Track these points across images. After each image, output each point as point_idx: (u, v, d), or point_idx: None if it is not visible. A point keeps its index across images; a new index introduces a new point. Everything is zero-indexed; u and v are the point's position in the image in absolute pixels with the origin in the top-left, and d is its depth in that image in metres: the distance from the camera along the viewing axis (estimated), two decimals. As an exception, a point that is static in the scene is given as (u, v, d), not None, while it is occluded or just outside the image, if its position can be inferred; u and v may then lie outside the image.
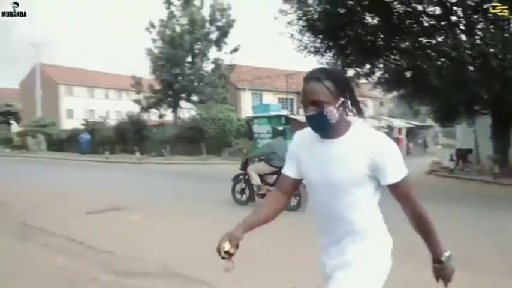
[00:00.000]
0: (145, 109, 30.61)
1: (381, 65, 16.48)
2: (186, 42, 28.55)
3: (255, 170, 8.54)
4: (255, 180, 8.44)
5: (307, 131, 1.81)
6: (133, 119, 30.39)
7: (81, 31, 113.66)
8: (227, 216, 7.11)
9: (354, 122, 1.77)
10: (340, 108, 1.71)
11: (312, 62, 22.84)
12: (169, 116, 32.42)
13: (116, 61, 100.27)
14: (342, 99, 1.71)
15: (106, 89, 56.06)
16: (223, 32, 29.68)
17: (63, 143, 34.36)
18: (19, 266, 4.85)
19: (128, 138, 29.45)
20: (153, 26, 29.65)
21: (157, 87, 30.51)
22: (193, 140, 25.25)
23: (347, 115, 1.77)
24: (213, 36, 29.79)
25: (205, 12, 29.61)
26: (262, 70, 36.16)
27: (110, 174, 15.98)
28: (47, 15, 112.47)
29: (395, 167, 1.68)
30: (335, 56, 16.10)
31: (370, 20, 14.81)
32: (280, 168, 6.19)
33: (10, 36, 71.39)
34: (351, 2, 13.56)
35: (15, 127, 45.41)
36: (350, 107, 1.77)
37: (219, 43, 29.86)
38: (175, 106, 31.15)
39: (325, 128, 1.72)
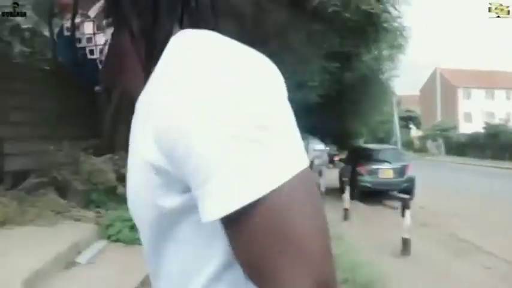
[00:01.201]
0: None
1: None
2: None
3: None
4: None
5: None
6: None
7: (471, 30, 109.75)
8: None
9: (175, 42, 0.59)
10: (114, 18, 0.63)
11: None
12: None
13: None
14: None
15: (507, 90, 51.95)
16: None
17: (463, 148, 34.10)
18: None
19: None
20: None
21: None
22: None
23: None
24: None
25: None
26: None
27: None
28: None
29: (226, 171, 0.47)
30: None
31: None
32: None
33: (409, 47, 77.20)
34: None
35: (414, 131, 48.73)
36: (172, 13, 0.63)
37: None
38: None
39: (86, 75, 0.69)
